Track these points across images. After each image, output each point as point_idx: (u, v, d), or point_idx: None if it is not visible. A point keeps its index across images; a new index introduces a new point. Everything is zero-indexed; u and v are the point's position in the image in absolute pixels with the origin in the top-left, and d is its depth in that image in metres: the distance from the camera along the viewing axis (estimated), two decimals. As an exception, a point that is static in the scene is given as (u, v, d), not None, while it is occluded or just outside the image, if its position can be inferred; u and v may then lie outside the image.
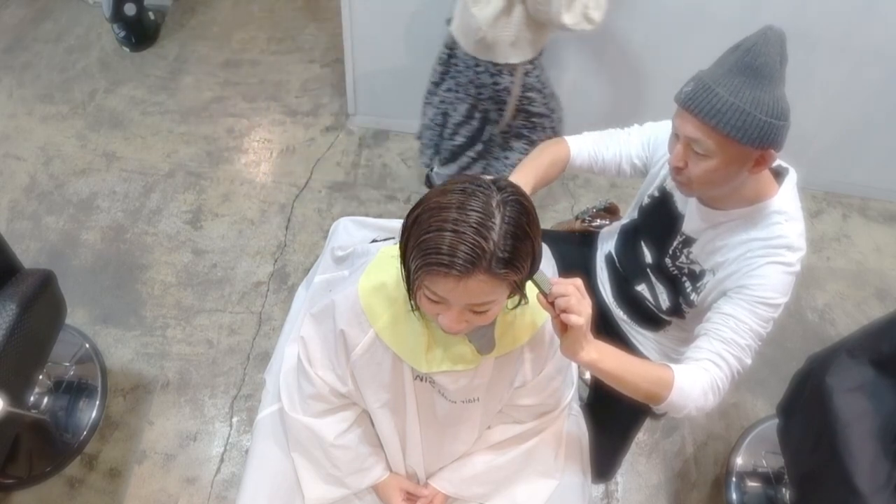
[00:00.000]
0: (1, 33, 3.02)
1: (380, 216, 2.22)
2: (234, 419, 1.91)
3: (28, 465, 1.79)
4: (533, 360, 1.13)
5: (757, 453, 1.89)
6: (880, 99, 2.25)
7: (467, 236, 0.81)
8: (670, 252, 1.32)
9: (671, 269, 1.32)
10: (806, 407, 1.40)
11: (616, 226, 1.56)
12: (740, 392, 2.04)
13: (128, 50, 2.96)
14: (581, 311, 0.92)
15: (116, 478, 1.79)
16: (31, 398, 1.82)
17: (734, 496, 1.83)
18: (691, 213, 1.25)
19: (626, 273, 1.48)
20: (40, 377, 1.83)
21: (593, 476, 1.47)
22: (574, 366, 1.33)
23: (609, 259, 1.54)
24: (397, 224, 1.49)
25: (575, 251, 1.64)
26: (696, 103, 1.03)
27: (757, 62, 1.00)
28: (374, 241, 1.45)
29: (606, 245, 1.57)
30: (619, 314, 1.52)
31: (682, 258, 1.29)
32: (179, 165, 2.53)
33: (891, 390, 1.27)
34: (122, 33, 2.93)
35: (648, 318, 1.45)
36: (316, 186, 2.50)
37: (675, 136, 1.11)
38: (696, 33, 2.11)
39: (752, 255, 1.12)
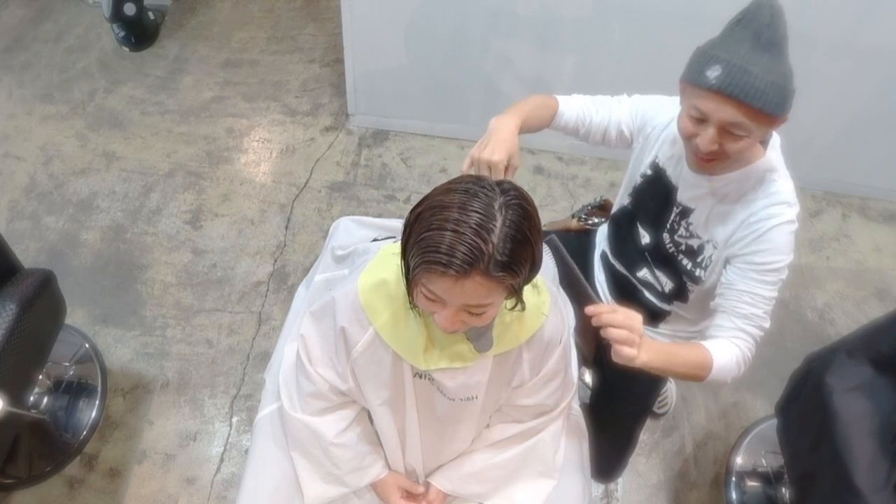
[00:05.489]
0: (1, 33, 3.02)
1: (379, 216, 2.22)
2: (234, 419, 1.91)
3: (28, 465, 1.79)
4: (531, 361, 1.13)
5: (756, 453, 1.89)
6: (880, 99, 2.25)
7: (466, 237, 0.81)
8: (668, 226, 1.32)
9: (668, 246, 1.33)
10: (805, 406, 1.40)
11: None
12: (740, 392, 2.04)
13: (127, 50, 2.96)
14: (635, 342, 0.96)
15: (116, 478, 1.79)
16: (31, 398, 1.82)
17: (734, 496, 1.83)
18: (685, 182, 1.26)
19: (624, 264, 1.48)
20: (40, 377, 1.83)
21: (601, 477, 1.47)
22: (574, 366, 1.33)
23: (604, 258, 1.55)
24: (397, 223, 1.50)
25: (571, 251, 1.64)
26: (736, 87, 1.01)
27: (777, 36, 1.02)
28: (374, 240, 1.45)
29: (602, 245, 1.57)
30: None
31: (681, 231, 1.29)
32: (179, 165, 2.53)
33: (890, 390, 1.27)
34: (122, 33, 2.93)
35: (648, 312, 1.45)
36: (316, 186, 2.50)
37: (697, 121, 1.08)
38: (695, 33, 2.10)
39: (756, 219, 1.14)
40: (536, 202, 0.90)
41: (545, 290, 1.13)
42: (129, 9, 2.79)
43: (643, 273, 1.42)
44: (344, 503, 1.25)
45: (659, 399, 1.92)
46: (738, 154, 1.09)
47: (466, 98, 2.52)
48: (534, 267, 0.90)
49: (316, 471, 1.23)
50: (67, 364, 1.96)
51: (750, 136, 1.06)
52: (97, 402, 1.90)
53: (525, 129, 1.22)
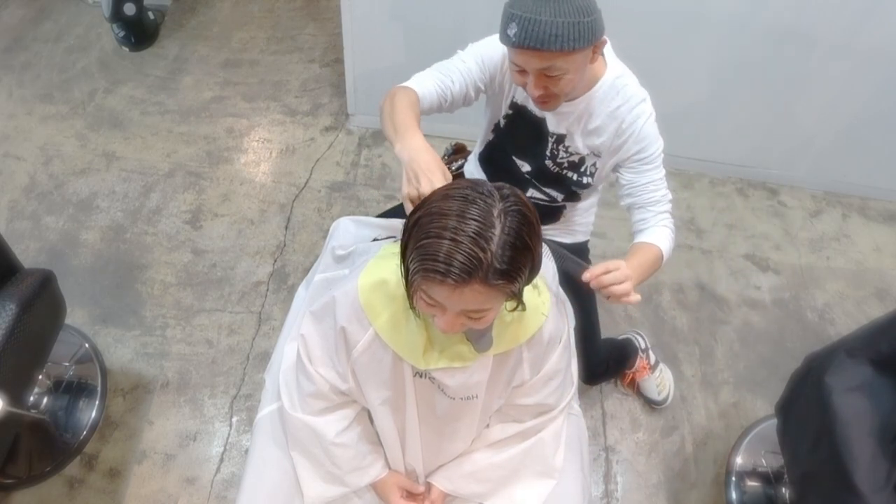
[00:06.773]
0: (1, 33, 3.02)
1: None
2: (234, 419, 1.91)
3: (28, 465, 1.79)
4: (531, 361, 1.13)
5: (756, 453, 1.89)
6: (880, 99, 2.25)
7: (464, 245, 0.81)
8: (548, 154, 1.41)
9: (553, 168, 1.44)
10: (805, 406, 1.40)
11: (472, 159, 1.65)
12: (740, 392, 2.04)
13: (127, 50, 2.96)
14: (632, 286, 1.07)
15: (116, 478, 1.79)
16: (31, 398, 1.82)
17: (734, 496, 1.83)
18: (550, 115, 1.35)
19: None
20: (40, 377, 1.83)
21: (589, 378, 1.69)
22: (574, 366, 1.33)
23: None
24: (398, 223, 1.49)
25: None
26: (531, 39, 1.09)
27: None
28: (374, 240, 1.45)
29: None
30: None
31: (562, 153, 1.40)
32: (179, 165, 2.53)
33: (889, 390, 1.27)
34: (122, 33, 2.93)
35: (547, 215, 1.56)
36: (315, 186, 2.50)
37: (520, 73, 1.19)
38: (693, 33, 2.11)
39: (627, 125, 1.30)
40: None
41: (545, 290, 1.13)
42: (129, 9, 2.79)
43: (531, 193, 1.51)
44: (344, 503, 1.25)
45: (655, 384, 1.96)
46: (566, 89, 1.19)
47: (466, 98, 2.52)
48: (533, 271, 0.90)
49: (316, 470, 1.23)
50: (67, 364, 1.96)
51: (569, 73, 1.15)
52: (97, 402, 1.90)
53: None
